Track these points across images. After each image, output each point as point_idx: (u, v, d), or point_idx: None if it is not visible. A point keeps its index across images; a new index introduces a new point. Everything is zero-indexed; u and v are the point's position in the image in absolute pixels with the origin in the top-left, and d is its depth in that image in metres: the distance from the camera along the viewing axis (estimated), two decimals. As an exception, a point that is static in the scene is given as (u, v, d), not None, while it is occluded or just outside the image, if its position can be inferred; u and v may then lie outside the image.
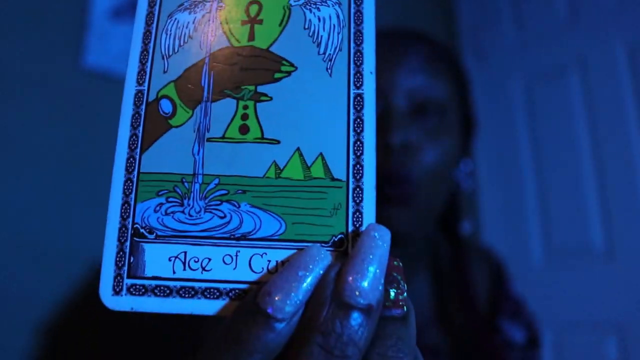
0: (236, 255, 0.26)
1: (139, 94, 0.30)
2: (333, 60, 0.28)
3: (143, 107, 0.29)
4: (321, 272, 0.24)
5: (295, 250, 0.26)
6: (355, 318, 0.22)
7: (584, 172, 1.59)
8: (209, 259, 0.26)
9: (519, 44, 1.79)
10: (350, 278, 0.23)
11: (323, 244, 0.26)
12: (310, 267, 0.24)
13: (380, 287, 0.23)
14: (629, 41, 1.56)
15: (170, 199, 0.27)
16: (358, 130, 0.27)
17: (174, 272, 0.26)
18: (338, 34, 0.29)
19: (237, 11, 0.30)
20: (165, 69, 0.30)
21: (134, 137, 0.29)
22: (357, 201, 0.27)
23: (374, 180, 0.27)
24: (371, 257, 0.23)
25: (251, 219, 0.27)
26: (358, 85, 0.28)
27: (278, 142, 0.27)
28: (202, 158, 0.27)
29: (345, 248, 0.26)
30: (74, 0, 1.07)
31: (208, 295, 0.26)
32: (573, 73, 1.66)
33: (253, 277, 0.26)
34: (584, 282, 1.54)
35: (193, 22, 0.31)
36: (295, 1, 0.30)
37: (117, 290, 0.27)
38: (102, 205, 0.91)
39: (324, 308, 0.23)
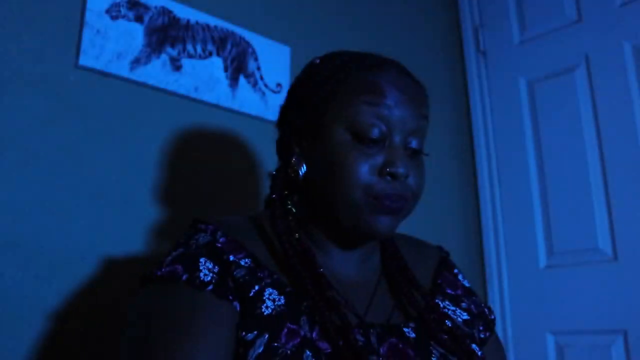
0: None
1: None
2: None
3: None
4: None
5: None
6: None
7: (589, 174, 1.56)
8: None
9: (524, 43, 1.76)
10: None
11: None
12: None
13: None
14: (636, 40, 1.53)
15: None
16: None
17: None
18: None
19: None
20: None
21: None
22: None
23: None
24: None
25: None
26: None
27: None
28: None
29: None
30: (70, 0, 1.02)
31: None
32: (579, 72, 1.63)
33: None
34: (589, 286, 1.52)
35: None
36: None
37: None
38: (99, 202, 0.88)
39: None
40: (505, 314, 1.66)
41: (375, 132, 0.67)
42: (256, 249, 0.68)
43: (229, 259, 0.65)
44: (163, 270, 0.63)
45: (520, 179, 1.70)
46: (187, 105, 1.15)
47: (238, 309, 0.62)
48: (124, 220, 1.01)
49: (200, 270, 0.62)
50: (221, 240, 0.67)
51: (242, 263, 0.65)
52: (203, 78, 1.17)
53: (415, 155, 0.71)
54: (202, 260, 0.64)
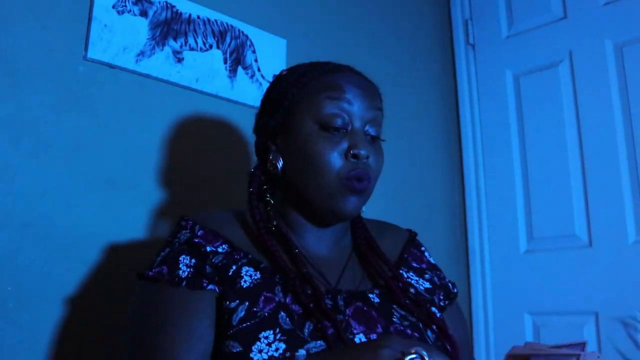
0: None
1: None
2: None
3: None
4: None
5: None
6: None
7: (569, 164, 1.64)
8: None
9: (512, 38, 1.82)
10: None
11: None
12: None
13: None
14: (617, 38, 1.60)
15: None
16: None
17: None
18: None
19: None
20: None
21: None
22: None
23: None
24: None
25: None
26: None
27: None
28: None
29: None
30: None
31: None
32: (562, 67, 1.69)
33: None
34: (565, 270, 1.61)
35: None
36: None
37: None
38: (106, 186, 0.95)
39: None
40: (486, 296, 1.76)
41: (338, 121, 0.78)
42: (235, 236, 0.79)
43: (206, 250, 0.75)
44: (153, 270, 0.75)
45: (504, 167, 1.78)
46: (189, 96, 1.21)
47: (218, 290, 0.73)
48: (129, 203, 1.08)
49: (179, 268, 0.74)
50: (199, 233, 0.78)
51: (220, 250, 0.76)
52: (204, 70, 1.24)
53: (374, 141, 0.83)
54: (181, 258, 0.75)
